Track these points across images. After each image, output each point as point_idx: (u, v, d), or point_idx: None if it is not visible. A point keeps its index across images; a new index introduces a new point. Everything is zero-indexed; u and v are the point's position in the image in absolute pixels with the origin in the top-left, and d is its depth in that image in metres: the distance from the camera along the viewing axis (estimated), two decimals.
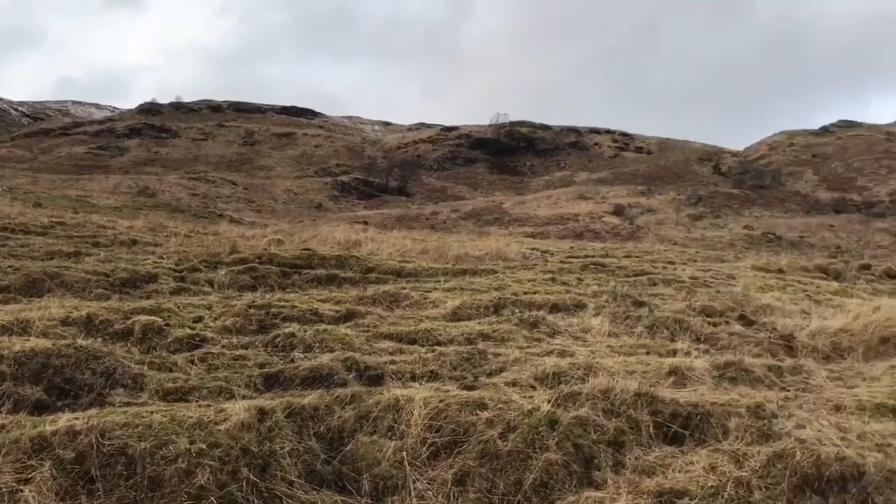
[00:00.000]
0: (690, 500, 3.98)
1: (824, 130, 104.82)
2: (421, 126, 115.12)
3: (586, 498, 3.97)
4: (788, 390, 5.93)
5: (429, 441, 4.34)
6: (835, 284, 16.00)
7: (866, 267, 21.77)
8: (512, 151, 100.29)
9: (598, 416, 4.72)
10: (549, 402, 4.77)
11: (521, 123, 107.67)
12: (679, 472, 4.27)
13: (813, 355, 7.44)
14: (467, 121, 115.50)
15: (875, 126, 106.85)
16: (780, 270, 18.19)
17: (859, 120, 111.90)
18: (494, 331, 7.00)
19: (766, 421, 4.90)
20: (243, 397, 4.75)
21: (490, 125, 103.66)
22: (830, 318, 8.81)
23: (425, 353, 6.00)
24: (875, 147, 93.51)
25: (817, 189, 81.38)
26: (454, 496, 4.01)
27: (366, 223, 39.57)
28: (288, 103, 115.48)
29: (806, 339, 7.79)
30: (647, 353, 6.67)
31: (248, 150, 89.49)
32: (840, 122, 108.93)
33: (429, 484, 4.07)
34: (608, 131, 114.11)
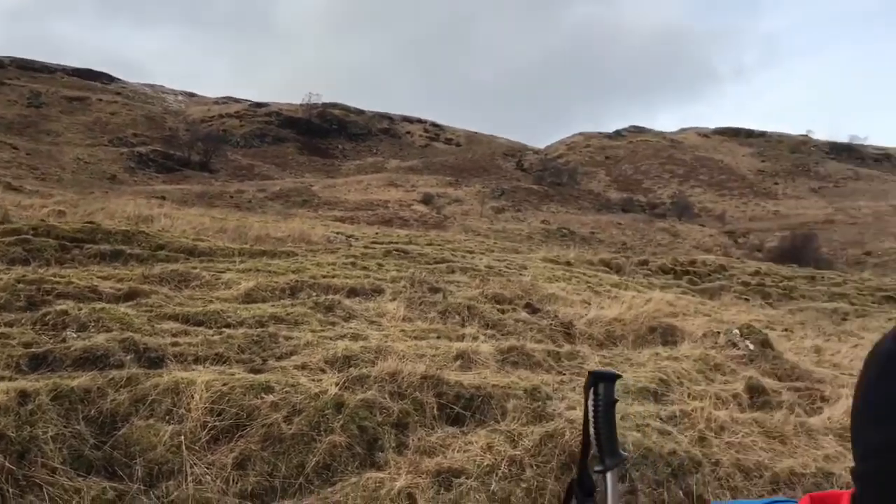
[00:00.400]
0: (467, 478, 4.16)
1: (617, 134, 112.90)
2: (229, 100, 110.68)
3: (367, 479, 4.03)
4: (564, 374, 6.33)
5: (210, 425, 4.23)
6: (615, 277, 17.30)
7: (644, 262, 23.70)
8: (324, 133, 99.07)
9: (385, 398, 4.80)
10: (337, 385, 4.79)
11: (334, 105, 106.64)
12: (458, 451, 4.44)
13: (589, 342, 8.00)
14: (278, 98, 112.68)
15: (661, 133, 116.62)
16: (569, 263, 19.35)
17: (648, 126, 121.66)
18: (288, 314, 6.90)
19: (541, 402, 5.21)
20: (3, 379, 4.36)
21: (302, 105, 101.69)
22: (607, 309, 9.51)
23: (213, 335, 5.80)
24: (661, 153, 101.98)
25: (609, 189, 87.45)
26: (234, 480, 3.94)
27: (163, 198, 37.58)
28: (82, 65, 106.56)
29: (584, 327, 8.35)
30: (438, 338, 6.86)
31: (34, 112, 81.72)
32: (631, 127, 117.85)
33: (207, 468, 3.97)
34: (420, 121, 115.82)
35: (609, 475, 1.46)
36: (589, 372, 1.46)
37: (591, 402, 1.44)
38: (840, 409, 6.19)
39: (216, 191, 57.78)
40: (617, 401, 1.46)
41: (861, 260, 49.75)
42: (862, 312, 18.56)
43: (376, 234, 24.53)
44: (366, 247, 16.30)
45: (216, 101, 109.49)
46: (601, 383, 1.44)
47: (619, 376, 1.51)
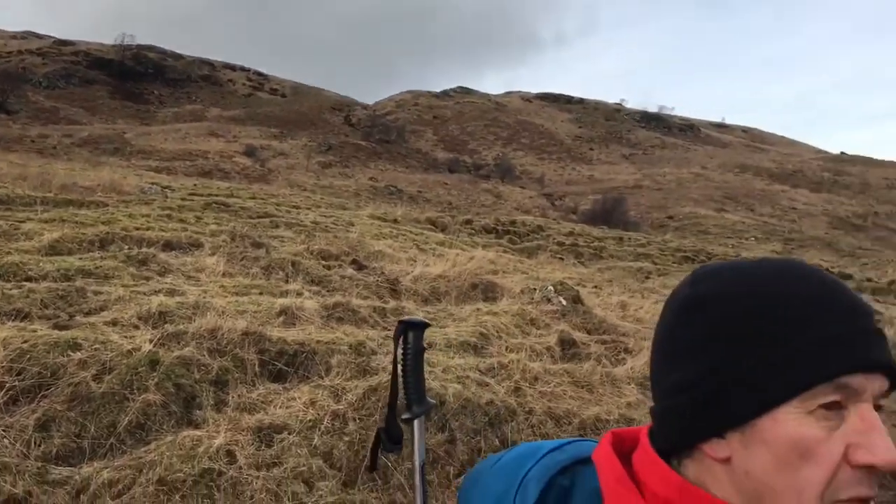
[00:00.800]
0: (289, 433, 4.13)
1: (444, 94, 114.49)
2: (29, 35, 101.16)
3: (184, 437, 3.91)
4: (389, 329, 6.40)
5: (8, 385, 3.93)
6: (441, 235, 17.66)
7: (469, 222, 24.39)
8: (138, 77, 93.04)
9: (204, 355, 4.66)
10: (151, 342, 4.59)
11: (150, 48, 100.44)
12: (280, 407, 4.40)
13: (414, 298, 8.12)
14: (87, 37, 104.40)
15: (487, 96, 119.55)
16: (396, 221, 19.52)
17: (475, 88, 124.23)
18: (97, 267, 6.49)
19: (365, 357, 5.25)
20: None
21: (114, 46, 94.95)
22: (432, 266, 9.68)
23: (11, 288, 5.35)
24: (486, 115, 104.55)
25: (436, 148, 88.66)
26: (36, 443, 3.70)
27: None
28: None
29: (409, 284, 8.46)
30: (261, 294, 6.71)
31: None
32: (458, 88, 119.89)
33: (5, 431, 3.70)
34: (243, 69, 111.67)
35: (416, 422, 1.49)
36: (399, 320, 1.47)
37: (399, 350, 1.46)
38: (641, 360, 6.67)
39: (15, 134, 52.91)
40: (426, 349, 1.48)
41: (664, 223, 53.87)
42: (663, 271, 20.15)
43: (195, 185, 23.52)
44: (183, 199, 15.57)
45: (14, 36, 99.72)
46: (411, 331, 1.45)
47: (428, 324, 1.53)
